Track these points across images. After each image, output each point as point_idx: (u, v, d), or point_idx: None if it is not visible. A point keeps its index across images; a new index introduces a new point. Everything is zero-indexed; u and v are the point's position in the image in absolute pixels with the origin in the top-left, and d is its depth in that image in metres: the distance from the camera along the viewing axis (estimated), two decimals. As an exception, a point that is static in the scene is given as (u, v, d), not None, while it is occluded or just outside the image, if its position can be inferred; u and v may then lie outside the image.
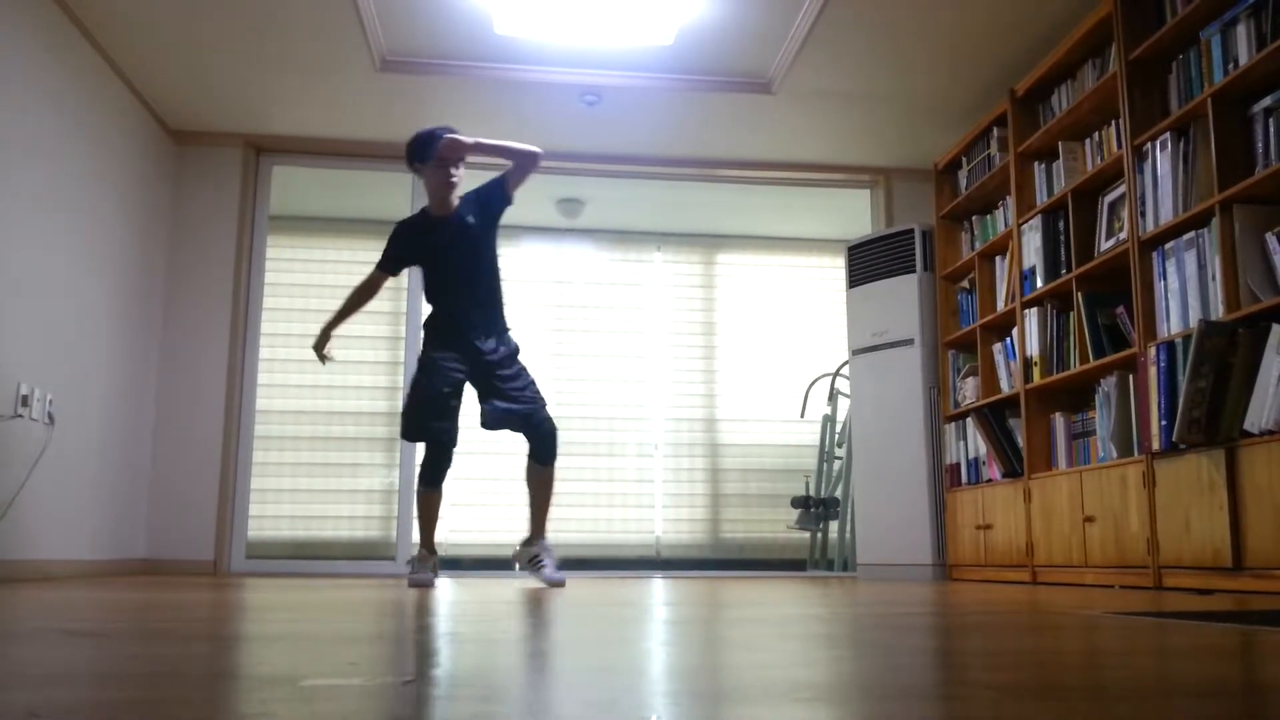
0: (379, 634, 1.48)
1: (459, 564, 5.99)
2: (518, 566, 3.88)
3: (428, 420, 3.68)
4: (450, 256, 3.76)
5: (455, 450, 3.77)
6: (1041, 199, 4.24)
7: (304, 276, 5.61)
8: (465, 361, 3.73)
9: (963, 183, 4.94)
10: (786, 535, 6.39)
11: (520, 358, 3.85)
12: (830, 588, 3.62)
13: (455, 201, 3.77)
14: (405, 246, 3.83)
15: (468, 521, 6.18)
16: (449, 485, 3.90)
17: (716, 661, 1.13)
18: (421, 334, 3.88)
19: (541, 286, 6.58)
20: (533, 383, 3.82)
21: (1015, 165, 4.36)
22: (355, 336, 5.50)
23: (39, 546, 3.95)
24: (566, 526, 6.29)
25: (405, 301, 5.44)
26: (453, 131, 3.68)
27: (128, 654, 1.17)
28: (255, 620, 1.75)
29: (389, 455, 5.51)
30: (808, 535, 6.13)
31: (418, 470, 3.79)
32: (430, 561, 3.74)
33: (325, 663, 1.09)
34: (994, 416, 4.42)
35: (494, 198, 3.79)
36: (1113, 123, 3.81)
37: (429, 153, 3.66)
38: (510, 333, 3.87)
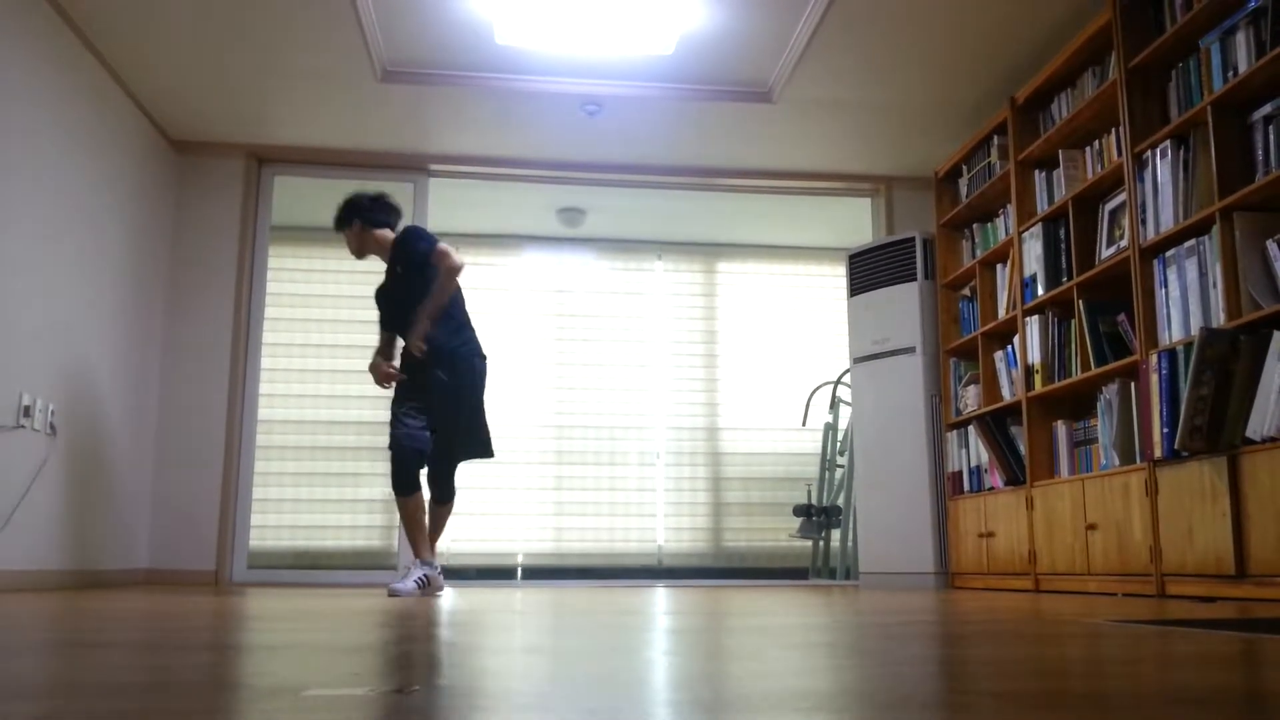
0: (381, 644, 1.48)
1: (462, 574, 5.98)
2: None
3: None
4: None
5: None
6: (1042, 207, 4.24)
7: (305, 287, 5.62)
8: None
9: (963, 191, 4.94)
10: (788, 544, 6.38)
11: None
12: (832, 596, 3.61)
13: (376, 251, 4.01)
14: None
15: (469, 531, 6.17)
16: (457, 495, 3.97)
17: (718, 670, 1.13)
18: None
19: (543, 295, 6.59)
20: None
21: (1015, 173, 4.36)
22: (358, 346, 5.51)
23: (41, 557, 3.95)
24: (569, 535, 6.28)
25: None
26: (385, 199, 4.00)
27: (130, 664, 1.17)
28: (257, 630, 1.75)
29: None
30: (810, 544, 6.12)
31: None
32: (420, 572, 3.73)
33: (327, 673, 1.09)
34: (996, 424, 4.42)
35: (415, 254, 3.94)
36: (1113, 130, 3.81)
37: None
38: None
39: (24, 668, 1.13)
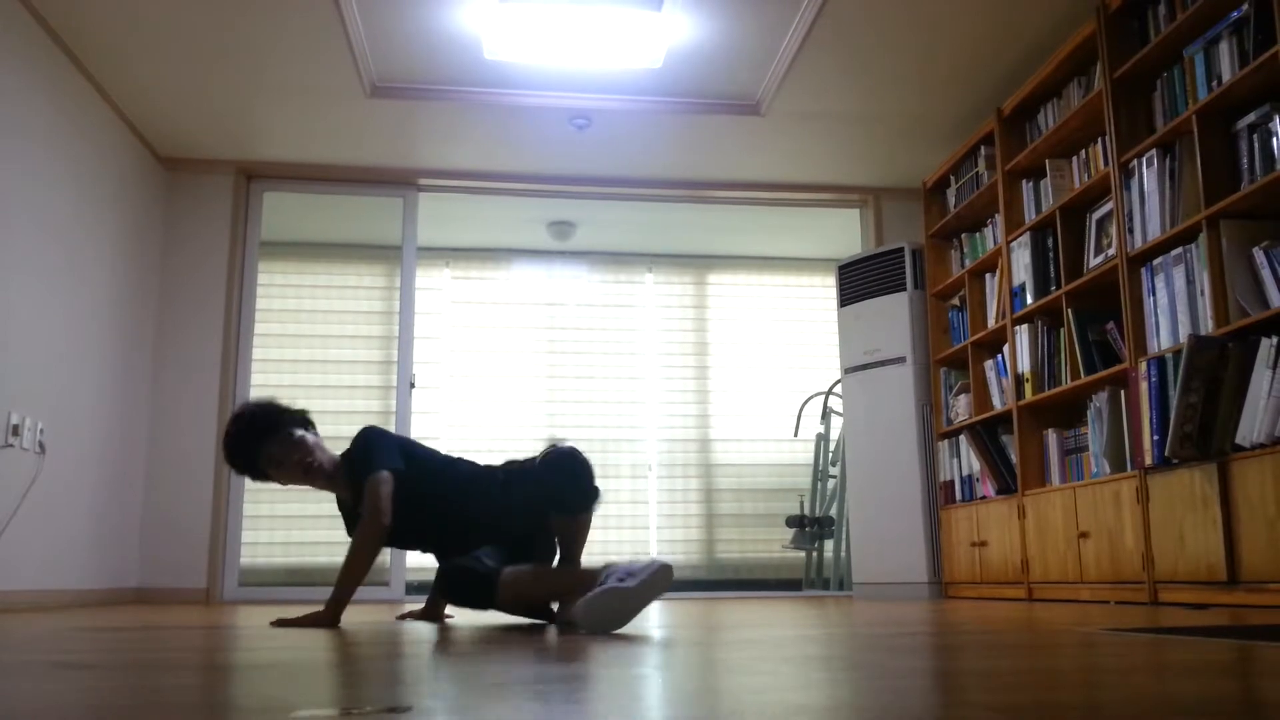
0: (372, 662, 1.47)
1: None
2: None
3: None
4: None
5: None
6: (1030, 216, 4.26)
7: (295, 302, 5.60)
8: None
9: (951, 201, 4.96)
10: (782, 555, 6.37)
11: None
12: (826, 608, 3.60)
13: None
14: None
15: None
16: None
17: (712, 685, 1.13)
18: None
19: (534, 309, 6.59)
20: None
21: (1003, 183, 4.38)
22: (347, 362, 5.49)
23: (30, 576, 3.92)
24: (561, 549, 6.26)
25: (396, 325, 5.42)
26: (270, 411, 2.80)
27: (118, 686, 1.16)
28: (247, 649, 1.73)
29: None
30: (803, 555, 6.11)
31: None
32: None
33: (317, 693, 1.08)
34: (987, 433, 4.43)
35: None
36: (1099, 140, 3.83)
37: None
38: None
39: (9, 690, 1.12)
